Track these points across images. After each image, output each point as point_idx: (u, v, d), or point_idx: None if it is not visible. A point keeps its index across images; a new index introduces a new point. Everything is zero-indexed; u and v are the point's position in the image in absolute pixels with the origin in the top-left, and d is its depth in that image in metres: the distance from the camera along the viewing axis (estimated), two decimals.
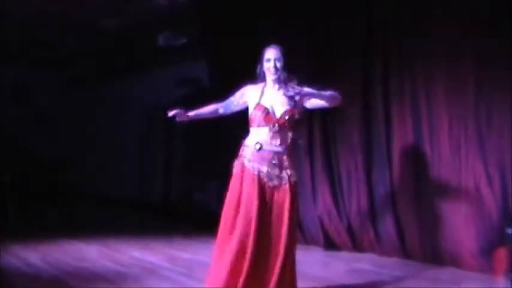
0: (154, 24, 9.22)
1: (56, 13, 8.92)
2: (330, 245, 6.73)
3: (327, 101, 4.09)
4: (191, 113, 4.29)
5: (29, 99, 13.50)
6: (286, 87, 4.06)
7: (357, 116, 6.62)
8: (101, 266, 5.46)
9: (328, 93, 4.06)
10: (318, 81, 5.52)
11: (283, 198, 3.96)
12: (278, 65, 4.06)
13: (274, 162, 3.99)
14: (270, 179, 3.97)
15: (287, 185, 3.98)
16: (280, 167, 4.00)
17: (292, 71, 4.16)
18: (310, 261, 5.90)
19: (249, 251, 3.84)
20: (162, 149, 11.59)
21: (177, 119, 4.23)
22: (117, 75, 12.64)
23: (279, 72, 4.07)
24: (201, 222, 8.09)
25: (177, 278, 5.07)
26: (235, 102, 4.27)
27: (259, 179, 3.96)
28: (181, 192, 10.64)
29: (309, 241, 6.93)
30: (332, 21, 6.93)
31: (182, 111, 4.22)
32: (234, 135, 4.41)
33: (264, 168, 3.98)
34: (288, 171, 4.01)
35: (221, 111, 4.35)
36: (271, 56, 4.08)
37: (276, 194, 3.97)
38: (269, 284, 3.84)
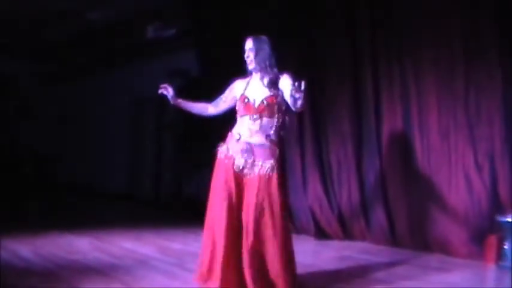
0: (142, 15, 9.18)
1: (44, 4, 8.87)
2: (320, 234, 6.76)
3: (293, 105, 4.00)
4: (180, 100, 4.38)
5: (20, 91, 13.40)
6: (268, 76, 4.08)
7: (347, 105, 6.65)
8: (92, 258, 5.44)
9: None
10: (307, 72, 5.51)
11: (254, 187, 3.98)
12: (251, 55, 4.11)
13: (247, 153, 4.03)
14: (242, 169, 4.02)
15: (258, 176, 4.00)
16: (254, 157, 4.03)
17: (280, 61, 4.18)
18: (301, 250, 5.85)
19: (219, 242, 3.90)
20: (152, 140, 11.57)
21: (166, 94, 4.34)
22: (105, 66, 12.59)
23: (253, 63, 4.11)
24: (192, 212, 8.09)
25: (169, 268, 5.07)
26: (223, 99, 4.33)
27: (234, 169, 4.02)
28: (171, 183, 10.63)
29: (299, 230, 6.95)
30: (320, 11, 6.93)
31: (172, 92, 4.34)
32: (222, 126, 4.42)
33: (238, 157, 4.03)
34: (263, 162, 4.02)
35: (211, 109, 4.40)
36: (246, 47, 4.15)
37: (247, 183, 4.02)
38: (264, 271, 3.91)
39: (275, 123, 4.10)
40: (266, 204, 3.96)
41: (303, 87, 3.61)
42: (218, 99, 4.36)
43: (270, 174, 4.02)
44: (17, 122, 13.25)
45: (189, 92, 7.45)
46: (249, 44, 4.15)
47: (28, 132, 13.26)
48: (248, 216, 3.93)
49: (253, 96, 4.09)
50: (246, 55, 4.15)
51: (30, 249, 5.80)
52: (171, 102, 4.37)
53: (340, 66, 6.70)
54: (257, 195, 3.95)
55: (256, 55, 4.10)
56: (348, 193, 6.65)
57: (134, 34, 10.07)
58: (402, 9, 6.14)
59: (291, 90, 3.68)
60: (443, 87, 5.80)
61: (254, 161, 4.03)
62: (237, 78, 4.29)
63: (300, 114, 6.85)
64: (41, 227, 7.23)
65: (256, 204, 3.94)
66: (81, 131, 13.64)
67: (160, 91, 4.37)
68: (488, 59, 5.47)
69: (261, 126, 4.05)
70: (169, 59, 10.20)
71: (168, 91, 4.34)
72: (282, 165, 4.34)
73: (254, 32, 4.27)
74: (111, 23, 9.84)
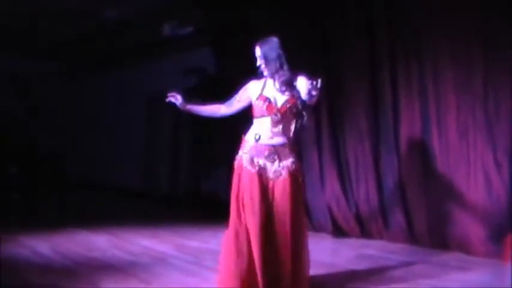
0: (159, 13, 9.20)
1: (60, 3, 8.92)
2: (338, 232, 6.74)
3: (313, 102, 3.98)
4: (189, 106, 4.34)
5: (32, 91, 13.51)
6: (278, 78, 4.05)
7: (365, 103, 6.62)
8: (111, 256, 5.49)
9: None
10: (324, 69, 5.45)
11: (283, 189, 3.96)
12: (262, 63, 4.08)
13: (272, 156, 4.00)
14: (269, 172, 3.99)
15: (287, 176, 3.99)
16: (279, 159, 4.01)
17: (298, 59, 4.18)
18: (319, 248, 5.91)
19: (255, 248, 3.85)
20: (168, 137, 11.60)
21: (174, 101, 4.30)
22: (121, 64, 12.63)
23: (263, 68, 4.09)
24: (209, 210, 8.11)
25: (186, 266, 5.10)
26: (237, 99, 4.27)
27: (259, 173, 3.98)
28: (189, 181, 10.66)
29: (317, 228, 6.94)
30: (338, 7, 6.91)
31: (181, 99, 4.30)
32: (239, 124, 4.42)
33: (261, 161, 3.99)
34: (287, 162, 4.02)
35: (223, 110, 4.34)
36: (256, 55, 4.13)
37: (276, 186, 3.99)
38: (282, 275, 3.88)
39: (295, 124, 4.09)
40: (297, 206, 3.98)
41: (319, 85, 3.63)
42: (232, 100, 4.31)
43: (297, 175, 4.04)
44: (34, 122, 13.35)
45: (205, 89, 7.49)
46: (257, 51, 4.11)
47: (44, 132, 13.35)
48: (281, 221, 3.92)
49: (274, 97, 4.06)
50: (258, 63, 4.12)
51: (48, 246, 5.87)
52: (181, 108, 4.32)
53: (357, 63, 6.67)
54: (289, 199, 3.94)
55: (266, 62, 4.06)
56: (365, 191, 6.62)
57: (151, 32, 10.09)
58: (420, 6, 6.09)
59: (308, 89, 3.69)
60: (461, 84, 5.74)
61: (280, 163, 4.02)
62: (253, 78, 4.25)
63: (317, 112, 6.86)
64: (59, 224, 7.30)
65: (288, 208, 3.93)
66: (98, 129, 13.72)
67: (168, 100, 4.33)
68: (507, 56, 5.40)
69: (282, 127, 4.03)
70: (187, 57, 10.21)
71: (176, 98, 4.30)
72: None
73: (271, 31, 4.24)
74: (128, 21, 9.87)
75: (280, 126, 4.02)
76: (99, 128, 13.68)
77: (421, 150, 6.12)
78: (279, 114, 4.01)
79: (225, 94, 4.45)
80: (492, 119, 5.52)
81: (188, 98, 4.37)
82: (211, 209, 7.86)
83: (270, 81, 4.13)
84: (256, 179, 3.95)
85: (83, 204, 10.89)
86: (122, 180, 12.45)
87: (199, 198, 9.72)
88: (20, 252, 5.56)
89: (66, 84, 14.14)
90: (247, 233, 3.90)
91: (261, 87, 4.14)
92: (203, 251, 5.80)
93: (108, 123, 13.39)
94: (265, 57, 4.05)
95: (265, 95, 4.08)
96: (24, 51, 12.51)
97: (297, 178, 4.04)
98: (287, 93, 4.04)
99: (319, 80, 3.63)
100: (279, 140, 4.03)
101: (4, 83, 12.76)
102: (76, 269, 4.89)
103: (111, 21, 9.82)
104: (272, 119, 4.02)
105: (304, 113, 4.10)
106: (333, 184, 6.86)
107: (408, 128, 6.23)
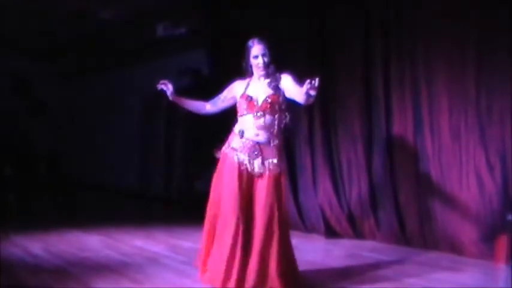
0: (153, 14, 9.20)
1: (54, 3, 8.91)
2: (330, 233, 6.74)
3: (306, 101, 3.98)
4: (178, 97, 4.40)
5: (28, 90, 13.49)
6: (273, 78, 4.16)
7: (358, 103, 6.63)
8: (104, 256, 5.49)
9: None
10: (317, 71, 5.44)
11: (265, 187, 4.05)
12: (266, 60, 4.15)
13: (256, 152, 4.09)
14: (251, 169, 4.08)
15: (269, 175, 4.07)
16: (262, 156, 4.09)
17: (291, 62, 4.21)
18: (311, 249, 5.95)
19: (230, 241, 3.98)
20: (162, 137, 11.60)
21: (165, 90, 4.33)
22: (116, 64, 12.62)
23: (264, 68, 4.16)
24: (202, 211, 8.10)
25: (179, 266, 5.11)
26: (222, 98, 4.39)
27: (240, 168, 4.07)
28: (182, 181, 10.66)
29: (309, 229, 6.96)
30: (330, 9, 6.92)
31: (172, 88, 4.33)
32: (231, 123, 4.44)
33: (246, 158, 4.08)
34: (271, 162, 4.09)
35: (208, 107, 4.46)
36: (258, 52, 4.17)
37: (257, 183, 4.08)
38: (268, 270, 3.97)
39: (277, 121, 4.16)
40: (276, 205, 4.04)
41: (317, 84, 3.64)
42: (216, 99, 4.43)
43: (279, 174, 4.11)
44: (31, 122, 13.34)
45: (199, 90, 7.49)
46: (262, 48, 4.17)
47: (41, 131, 13.35)
48: (260, 217, 4.01)
49: (255, 95, 4.15)
50: (260, 61, 4.16)
51: (41, 246, 5.86)
52: (170, 98, 4.37)
53: (351, 65, 6.68)
54: (268, 196, 4.03)
55: (268, 61, 4.16)
56: (358, 192, 6.64)
57: (146, 33, 10.08)
58: (414, 10, 6.10)
59: (307, 89, 3.69)
60: (454, 86, 5.76)
61: (263, 160, 4.08)
62: (238, 78, 4.36)
63: (310, 114, 6.88)
64: (53, 224, 7.29)
65: (266, 205, 4.02)
66: (93, 129, 13.71)
67: (159, 87, 4.37)
68: (500, 59, 5.42)
69: (264, 124, 4.11)
70: (181, 57, 10.22)
71: (167, 87, 4.34)
72: (288, 165, 4.38)
73: (265, 32, 4.28)
74: (123, 21, 9.86)
75: (263, 124, 4.10)
76: (95, 128, 13.66)
77: (413, 152, 6.13)
78: (260, 112, 4.09)
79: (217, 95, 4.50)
80: (484, 121, 5.53)
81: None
82: (204, 209, 7.84)
83: (255, 81, 4.23)
84: (237, 173, 4.06)
85: (77, 204, 10.87)
86: (117, 180, 12.45)
87: (193, 198, 9.70)
88: (13, 252, 5.55)
89: (63, 84, 14.13)
90: (226, 223, 4.03)
91: (245, 87, 4.24)
92: (196, 251, 5.77)
93: (104, 123, 13.38)
94: (268, 57, 4.16)
95: (247, 93, 4.18)
96: (22, 51, 12.49)
97: (279, 178, 4.12)
98: (271, 89, 4.12)
99: (317, 79, 3.64)
100: (262, 137, 4.12)
101: (3, 83, 12.75)
102: (68, 270, 4.88)
103: (106, 22, 9.81)
104: (254, 117, 4.10)
105: (287, 113, 4.17)
106: (325, 185, 6.87)
107: (401, 129, 6.25)
